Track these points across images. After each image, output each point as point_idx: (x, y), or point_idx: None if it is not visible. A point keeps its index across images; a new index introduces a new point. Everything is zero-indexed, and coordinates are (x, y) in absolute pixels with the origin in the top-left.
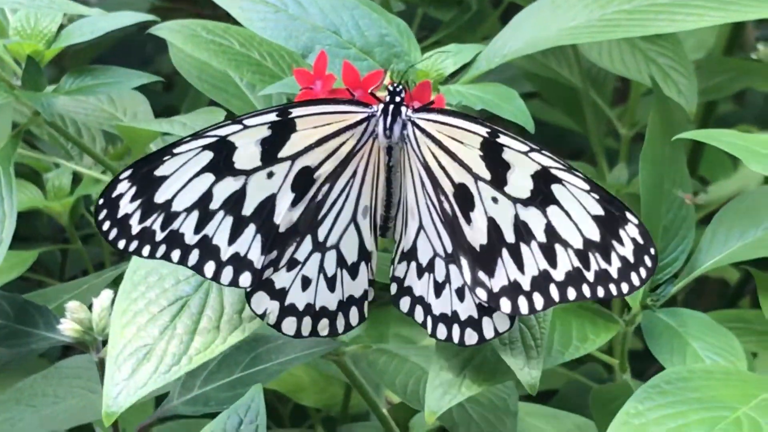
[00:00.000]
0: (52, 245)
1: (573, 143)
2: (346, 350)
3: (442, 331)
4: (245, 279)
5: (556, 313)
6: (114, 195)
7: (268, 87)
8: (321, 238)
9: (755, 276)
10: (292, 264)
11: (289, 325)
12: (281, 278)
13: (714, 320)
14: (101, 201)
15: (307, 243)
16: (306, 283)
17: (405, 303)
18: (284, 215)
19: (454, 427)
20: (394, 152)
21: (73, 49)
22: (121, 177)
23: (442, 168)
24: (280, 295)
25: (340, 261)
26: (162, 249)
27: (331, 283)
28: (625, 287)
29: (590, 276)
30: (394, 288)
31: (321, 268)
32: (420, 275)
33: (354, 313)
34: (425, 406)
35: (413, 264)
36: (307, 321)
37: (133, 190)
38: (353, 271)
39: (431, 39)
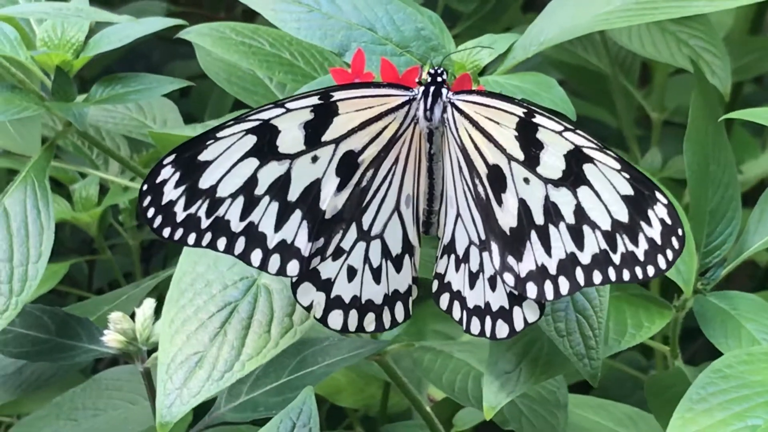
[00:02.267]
0: (79, 257)
1: (601, 133)
2: (389, 349)
3: (475, 325)
4: (293, 267)
5: (610, 301)
6: (158, 181)
7: (302, 87)
8: (366, 227)
9: None
10: (338, 253)
11: (336, 318)
12: (327, 268)
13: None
14: (145, 187)
15: (353, 231)
16: (352, 273)
17: (444, 300)
18: (329, 201)
19: (504, 422)
20: (435, 139)
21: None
22: (165, 162)
23: (478, 150)
24: (326, 285)
25: (385, 251)
26: (208, 237)
27: (376, 275)
28: (651, 270)
29: (617, 258)
30: (435, 285)
31: (366, 258)
32: (458, 267)
33: (399, 308)
34: (484, 402)
35: (452, 257)
36: (353, 315)
37: (177, 175)
38: (398, 264)
39: (454, 31)
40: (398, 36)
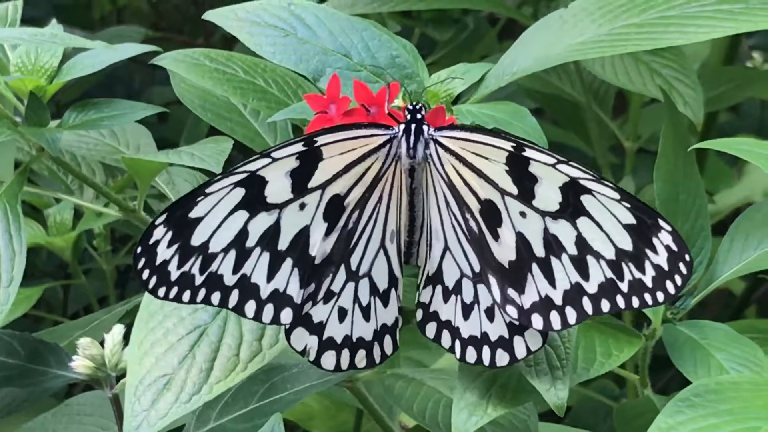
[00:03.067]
0: (54, 281)
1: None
2: (360, 376)
3: (471, 354)
4: (286, 315)
5: (579, 330)
6: (151, 242)
7: (277, 113)
8: (354, 267)
9: None
10: (329, 296)
11: (328, 359)
12: (319, 312)
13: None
14: (139, 249)
15: (342, 273)
16: (342, 314)
17: (431, 329)
18: (319, 246)
19: None
20: (416, 174)
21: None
22: (157, 222)
23: (467, 185)
24: (318, 329)
25: (373, 289)
26: (202, 293)
27: (366, 313)
28: (660, 296)
29: (624, 286)
30: (419, 314)
31: (356, 298)
32: (446, 299)
33: (388, 341)
34: (452, 429)
35: (439, 288)
36: (345, 354)
37: (170, 234)
38: (385, 299)
39: (430, 59)
40: (373, 63)
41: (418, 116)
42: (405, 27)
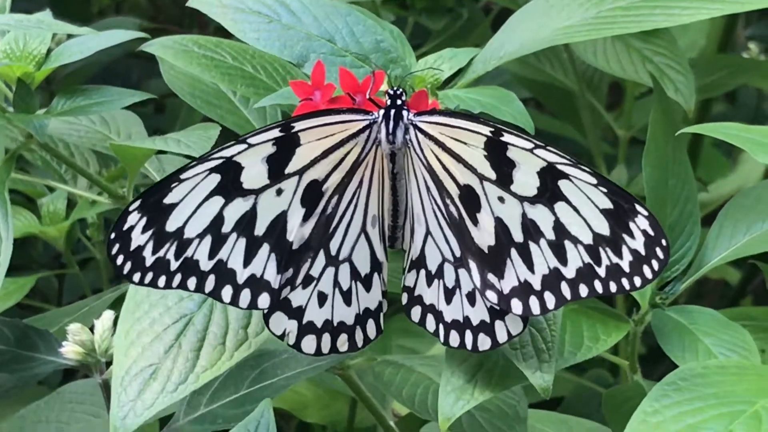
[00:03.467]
0: (49, 271)
1: (568, 150)
2: (351, 363)
3: (454, 338)
4: (263, 300)
5: (566, 314)
6: (125, 227)
7: (263, 99)
8: (333, 252)
9: (763, 270)
10: (308, 281)
11: (309, 343)
12: (298, 296)
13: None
14: (113, 235)
15: (321, 258)
16: (322, 299)
17: (416, 312)
18: (296, 231)
19: None
20: (397, 159)
21: (59, 77)
22: (131, 208)
23: (446, 170)
24: (297, 313)
25: (354, 273)
26: (178, 278)
27: (347, 297)
28: (637, 281)
29: (602, 271)
30: (405, 298)
31: (336, 283)
32: (430, 283)
33: (371, 325)
34: (439, 413)
35: (422, 272)
36: (326, 338)
37: (144, 220)
38: (367, 283)
39: (423, 48)
40: (357, 48)
41: (398, 101)
42: (399, 17)
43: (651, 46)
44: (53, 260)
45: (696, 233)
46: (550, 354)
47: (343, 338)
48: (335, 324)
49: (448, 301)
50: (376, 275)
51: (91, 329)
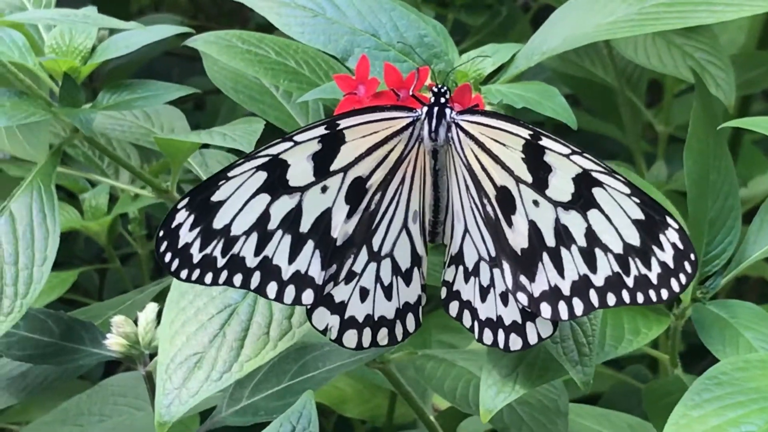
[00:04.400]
0: (91, 266)
1: (608, 148)
2: (392, 358)
3: (488, 336)
4: (308, 296)
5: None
6: (173, 225)
7: (306, 94)
8: (376, 248)
9: None
10: (350, 276)
11: (350, 337)
12: (340, 292)
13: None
14: (161, 233)
15: (363, 254)
16: (364, 294)
17: (453, 307)
18: (340, 228)
19: (504, 429)
20: (439, 155)
21: (101, 73)
22: (179, 206)
23: (485, 170)
24: (340, 308)
25: (395, 268)
26: (224, 275)
27: (388, 292)
28: (664, 293)
29: (630, 281)
30: (444, 292)
31: (378, 278)
32: (467, 279)
33: (411, 319)
34: (480, 405)
35: (461, 268)
36: (367, 332)
37: (192, 218)
38: (407, 278)
39: (463, 45)
40: (401, 42)
41: (442, 99)
42: (438, 14)
43: (692, 42)
44: (95, 256)
45: (737, 228)
46: (591, 348)
47: (383, 332)
48: (376, 318)
49: (483, 299)
50: (416, 269)
51: (135, 322)
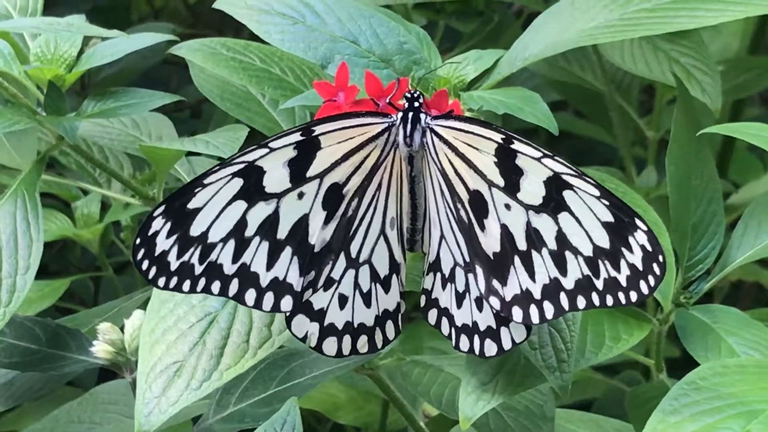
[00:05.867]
0: (84, 274)
1: (601, 154)
2: (381, 364)
3: (464, 343)
4: (286, 303)
5: (588, 313)
6: (150, 233)
7: (290, 101)
8: (354, 254)
9: None
10: (329, 283)
11: (330, 345)
12: (319, 299)
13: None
14: (138, 240)
15: (342, 260)
16: (343, 301)
17: (432, 315)
18: (318, 234)
19: None
20: (415, 162)
21: (95, 82)
22: (155, 214)
23: (458, 175)
24: (319, 315)
25: (374, 275)
26: (202, 282)
27: (367, 299)
28: (633, 296)
29: (599, 284)
30: (423, 300)
31: (356, 285)
32: (444, 286)
33: (390, 327)
34: (460, 412)
35: (438, 275)
36: (346, 340)
37: (168, 225)
38: (386, 285)
39: (454, 51)
40: (381, 49)
41: (416, 104)
42: (430, 21)
43: (678, 47)
44: (90, 265)
45: (720, 233)
46: (569, 354)
47: (363, 340)
48: (356, 326)
49: (459, 305)
50: (394, 276)
51: (122, 329)
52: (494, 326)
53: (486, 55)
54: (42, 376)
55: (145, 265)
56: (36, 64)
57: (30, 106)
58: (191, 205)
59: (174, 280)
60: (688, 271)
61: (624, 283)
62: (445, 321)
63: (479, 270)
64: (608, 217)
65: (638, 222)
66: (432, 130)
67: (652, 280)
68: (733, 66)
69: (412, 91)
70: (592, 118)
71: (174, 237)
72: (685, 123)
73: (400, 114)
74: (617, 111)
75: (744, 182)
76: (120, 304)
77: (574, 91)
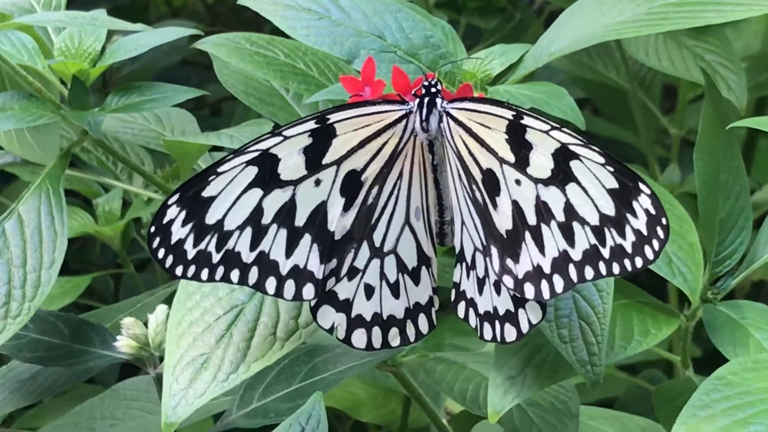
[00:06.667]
0: (104, 271)
1: (623, 152)
2: (404, 361)
3: (488, 331)
4: (308, 291)
5: (617, 308)
6: (165, 221)
7: (315, 95)
8: (377, 243)
9: None
10: (353, 272)
11: (359, 337)
12: (344, 288)
13: None
14: (152, 229)
15: (365, 249)
16: (369, 291)
17: (461, 308)
18: (337, 222)
19: (515, 431)
20: (436, 149)
21: (116, 79)
22: (169, 202)
23: (472, 155)
24: (345, 306)
25: (401, 266)
26: (220, 271)
27: (394, 290)
28: (639, 262)
29: (606, 252)
30: (453, 294)
31: (382, 275)
32: (468, 275)
33: (423, 320)
34: (488, 406)
35: (464, 265)
36: (376, 332)
37: (183, 214)
38: (415, 277)
39: (476, 49)
40: (407, 43)
41: (433, 90)
42: (451, 19)
43: (703, 44)
44: (111, 262)
45: (748, 228)
46: (600, 348)
47: (394, 332)
48: (385, 317)
49: (480, 291)
50: (424, 269)
51: (145, 324)
52: (512, 309)
53: (512, 49)
54: (65, 371)
55: (161, 253)
56: (60, 59)
57: (54, 100)
58: (206, 194)
59: (192, 269)
60: (716, 267)
61: (630, 250)
62: (471, 312)
63: (494, 250)
64: (613, 184)
65: (642, 186)
66: (448, 114)
67: (656, 244)
68: (756, 63)
69: (429, 79)
70: (614, 115)
71: (190, 225)
72: (713, 118)
73: (417, 100)
74: (640, 108)
75: (765, 179)
76: (143, 300)
77: (596, 88)
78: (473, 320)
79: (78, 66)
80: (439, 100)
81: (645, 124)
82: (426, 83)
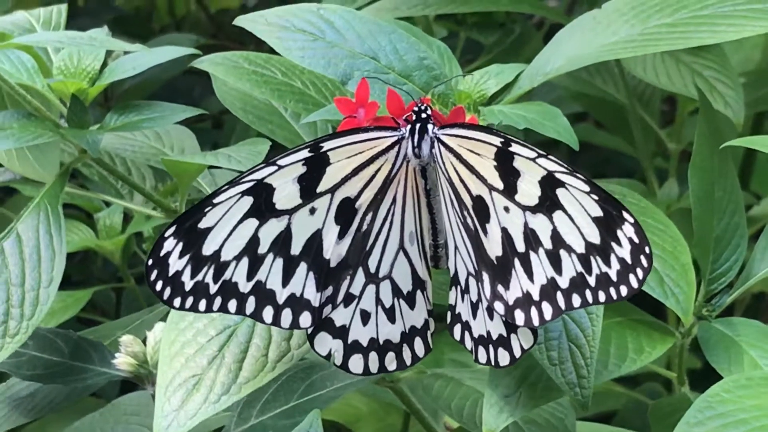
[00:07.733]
0: (105, 285)
1: (623, 165)
2: (402, 377)
3: (482, 354)
4: (305, 319)
5: (611, 326)
6: (162, 254)
7: (311, 115)
8: (373, 269)
9: None
10: (349, 299)
11: (356, 363)
12: (340, 315)
13: None
14: (150, 261)
15: (360, 275)
16: (365, 317)
17: (457, 330)
18: (333, 249)
19: None
20: (429, 175)
21: (118, 93)
22: (166, 234)
23: (463, 182)
24: (342, 332)
25: (396, 291)
26: (218, 301)
27: (390, 315)
28: (624, 290)
29: (592, 281)
30: (449, 316)
31: (378, 300)
32: (462, 298)
33: (419, 343)
34: (483, 425)
35: (458, 288)
36: (373, 357)
37: (180, 245)
38: (410, 301)
39: (475, 63)
40: (401, 65)
41: (423, 116)
42: (451, 32)
43: (700, 60)
44: (112, 276)
45: (743, 246)
46: (589, 370)
47: (390, 356)
48: (381, 342)
49: (474, 315)
50: (419, 293)
51: (144, 341)
52: (505, 334)
53: (507, 69)
54: (64, 388)
55: (159, 286)
56: (59, 78)
57: (53, 119)
58: (202, 225)
59: (190, 300)
60: (711, 284)
61: (614, 278)
62: (467, 335)
63: (485, 276)
64: (598, 212)
65: (625, 215)
66: (439, 140)
67: (640, 273)
68: (755, 78)
69: (419, 105)
70: (613, 130)
71: (187, 257)
72: (708, 136)
73: (408, 126)
74: (639, 123)
75: (765, 194)
76: (142, 317)
77: (595, 104)
78: (468, 343)
79: (77, 85)
80: (430, 126)
81: (643, 139)
82: (416, 108)
